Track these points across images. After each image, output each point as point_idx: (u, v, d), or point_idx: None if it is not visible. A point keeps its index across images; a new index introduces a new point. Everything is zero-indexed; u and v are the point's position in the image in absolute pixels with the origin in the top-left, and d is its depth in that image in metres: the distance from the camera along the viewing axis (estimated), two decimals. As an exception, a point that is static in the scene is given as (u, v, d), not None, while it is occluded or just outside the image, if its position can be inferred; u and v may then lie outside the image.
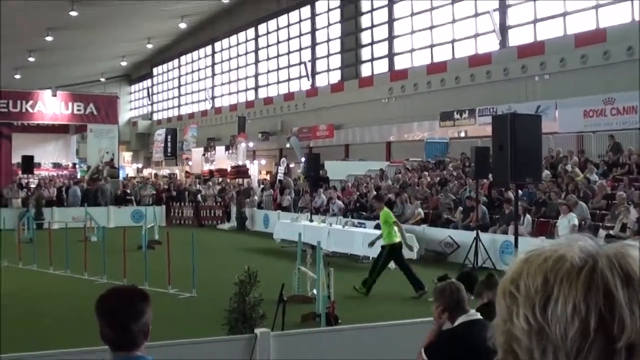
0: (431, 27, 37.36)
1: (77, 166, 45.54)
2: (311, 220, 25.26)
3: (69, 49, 54.34)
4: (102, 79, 70.91)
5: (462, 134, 33.92)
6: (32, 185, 37.28)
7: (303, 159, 38.47)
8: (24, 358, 6.95)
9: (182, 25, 53.42)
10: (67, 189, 37.10)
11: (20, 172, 38.97)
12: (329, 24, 45.23)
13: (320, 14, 46.02)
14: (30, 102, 40.06)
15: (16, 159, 39.27)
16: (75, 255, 18.67)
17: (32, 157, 38.31)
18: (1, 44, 47.93)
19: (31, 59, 54.27)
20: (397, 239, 15.57)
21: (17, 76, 59.46)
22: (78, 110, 41.11)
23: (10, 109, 39.31)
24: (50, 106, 40.53)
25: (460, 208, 23.08)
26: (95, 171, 40.45)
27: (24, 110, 39.78)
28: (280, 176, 39.66)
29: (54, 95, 40.76)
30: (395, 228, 15.65)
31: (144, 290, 3.66)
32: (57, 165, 44.59)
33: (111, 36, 53.54)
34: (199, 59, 63.20)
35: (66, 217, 31.94)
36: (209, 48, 60.77)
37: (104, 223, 28.92)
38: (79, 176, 42.17)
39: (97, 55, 59.93)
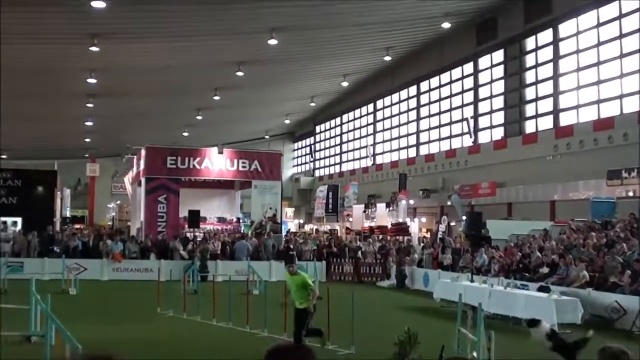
0: (598, 82, 36.28)
1: (241, 221, 46.68)
2: (472, 281, 24.74)
3: (235, 108, 56.18)
4: (267, 137, 72.83)
5: (631, 193, 32.51)
6: (198, 239, 38.41)
7: (464, 217, 37.88)
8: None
9: (345, 84, 54.28)
10: (232, 242, 38.03)
11: (186, 226, 40.31)
12: (492, 80, 44.75)
13: (483, 70, 45.65)
14: (198, 159, 41.47)
15: (183, 213, 40.71)
16: (238, 307, 19.01)
17: (198, 212, 39.60)
18: (168, 103, 50.21)
19: (199, 117, 56.44)
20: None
21: (185, 134, 61.93)
22: (243, 167, 42.21)
23: (179, 166, 40.83)
24: (217, 163, 41.81)
25: (628, 272, 21.97)
26: (259, 226, 41.27)
27: (191, 166, 41.23)
28: (441, 234, 39.21)
29: (220, 152, 42.03)
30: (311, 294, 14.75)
31: (309, 347, 3.65)
32: (221, 220, 45.85)
33: (275, 95, 55.07)
34: (361, 116, 63.88)
35: (230, 270, 32.73)
36: (370, 106, 61.37)
37: (266, 277, 29.49)
38: (242, 231, 43.15)
39: (262, 113, 61.67)
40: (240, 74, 43.29)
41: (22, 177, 43.80)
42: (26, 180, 43.52)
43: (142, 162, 42.63)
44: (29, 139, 62.08)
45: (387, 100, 58.62)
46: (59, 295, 23.06)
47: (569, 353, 13.20)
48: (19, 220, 41.65)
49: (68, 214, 60.95)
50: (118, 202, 66.67)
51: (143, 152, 42.49)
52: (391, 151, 58.16)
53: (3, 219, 41.50)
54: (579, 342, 13.22)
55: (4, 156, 66.32)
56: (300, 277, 14.71)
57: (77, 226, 54.63)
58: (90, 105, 48.57)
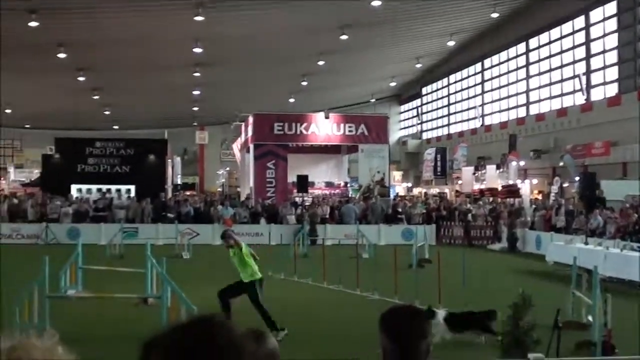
0: None
1: (348, 185, 46.79)
2: (586, 243, 24.08)
3: (340, 72, 55.98)
4: (372, 100, 72.42)
5: None
6: (307, 203, 38.69)
7: (577, 178, 36.91)
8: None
9: (451, 44, 53.33)
10: (339, 206, 38.17)
11: (295, 191, 40.64)
12: (605, 34, 43.17)
13: (595, 23, 44.04)
14: (304, 125, 41.76)
15: (291, 178, 41.10)
16: (347, 271, 19.05)
17: (306, 177, 39.89)
18: (273, 70, 50.50)
19: (304, 83, 56.53)
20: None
21: (291, 100, 62.18)
22: (350, 131, 42.26)
23: (286, 131, 41.25)
24: (323, 128, 41.98)
25: None
26: (367, 190, 41.32)
27: (298, 132, 41.57)
28: (553, 196, 38.35)
29: (327, 117, 42.18)
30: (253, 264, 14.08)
31: (420, 309, 3.57)
32: (329, 184, 46.07)
33: (380, 58, 54.57)
34: (468, 76, 62.73)
35: (339, 234, 32.98)
36: (478, 65, 60.17)
37: (374, 240, 29.47)
38: (350, 195, 43.27)
39: (367, 76, 61.28)
40: (344, 37, 43.05)
41: (134, 146, 45.02)
42: (138, 149, 44.70)
43: (250, 129, 43.20)
44: (140, 110, 63.59)
45: (495, 59, 57.37)
46: (173, 259, 23.52)
47: (481, 323, 12.60)
48: (132, 187, 42.87)
49: (179, 181, 62.32)
50: (227, 168, 67.78)
51: (251, 119, 43.06)
52: (500, 111, 57.01)
53: (117, 186, 42.79)
54: (491, 313, 12.64)
55: (116, 127, 68.20)
56: (238, 249, 14.25)
57: (188, 193, 55.82)
58: (197, 74, 49.28)
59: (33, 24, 34.53)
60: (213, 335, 1.79)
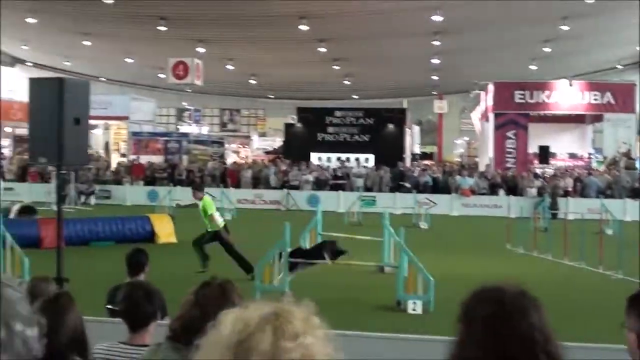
0: None
1: (592, 156, 44.98)
2: None
3: (584, 37, 53.53)
4: (619, 66, 68.89)
5: None
6: (547, 175, 37.65)
7: None
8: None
9: None
10: (582, 179, 36.82)
11: (536, 162, 39.67)
12: None
13: None
14: (546, 93, 40.68)
15: (532, 148, 40.13)
16: (590, 247, 18.30)
17: (548, 147, 38.79)
18: (514, 36, 49.25)
19: (546, 49, 54.66)
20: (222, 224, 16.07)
21: (533, 67, 60.39)
22: (594, 99, 40.63)
23: (527, 100, 40.34)
24: (566, 96, 40.62)
25: None
26: (612, 162, 39.62)
27: (540, 100, 40.52)
28: None
29: (570, 85, 40.77)
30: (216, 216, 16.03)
31: None
32: (572, 156, 44.52)
33: (628, 21, 51.69)
34: None
35: (581, 208, 31.81)
36: None
37: (620, 216, 28.11)
38: (593, 167, 41.63)
39: (613, 41, 58.16)
40: (590, 0, 41.20)
41: (373, 115, 45.83)
42: (377, 118, 45.46)
43: (489, 98, 42.62)
44: (379, 79, 64.27)
45: None
46: (410, 228, 23.54)
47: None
48: (370, 156, 43.59)
49: (417, 151, 62.64)
50: (466, 138, 67.21)
51: (491, 87, 42.46)
52: None
53: (356, 155, 43.70)
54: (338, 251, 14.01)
55: (355, 96, 69.45)
56: (202, 203, 16.11)
57: (426, 162, 55.92)
58: (436, 42, 49.03)
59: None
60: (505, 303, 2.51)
